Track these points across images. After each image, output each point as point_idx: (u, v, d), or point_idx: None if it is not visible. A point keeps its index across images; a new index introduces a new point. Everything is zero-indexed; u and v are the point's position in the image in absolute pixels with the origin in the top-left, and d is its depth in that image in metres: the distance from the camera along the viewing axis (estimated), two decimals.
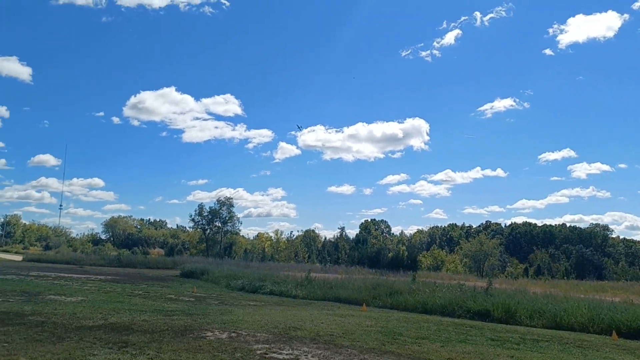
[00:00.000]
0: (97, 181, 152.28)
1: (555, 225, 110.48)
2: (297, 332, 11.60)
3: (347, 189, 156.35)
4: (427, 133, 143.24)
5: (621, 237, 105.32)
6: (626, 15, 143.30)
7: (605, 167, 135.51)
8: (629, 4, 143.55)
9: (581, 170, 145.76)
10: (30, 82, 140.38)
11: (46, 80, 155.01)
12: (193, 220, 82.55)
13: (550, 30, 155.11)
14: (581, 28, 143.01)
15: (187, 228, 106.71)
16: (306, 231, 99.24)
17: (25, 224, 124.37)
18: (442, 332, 13.16)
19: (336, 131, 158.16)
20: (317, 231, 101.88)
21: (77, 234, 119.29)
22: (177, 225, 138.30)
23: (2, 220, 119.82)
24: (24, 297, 16.43)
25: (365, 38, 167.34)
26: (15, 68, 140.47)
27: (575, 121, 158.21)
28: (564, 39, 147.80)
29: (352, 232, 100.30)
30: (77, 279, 27.61)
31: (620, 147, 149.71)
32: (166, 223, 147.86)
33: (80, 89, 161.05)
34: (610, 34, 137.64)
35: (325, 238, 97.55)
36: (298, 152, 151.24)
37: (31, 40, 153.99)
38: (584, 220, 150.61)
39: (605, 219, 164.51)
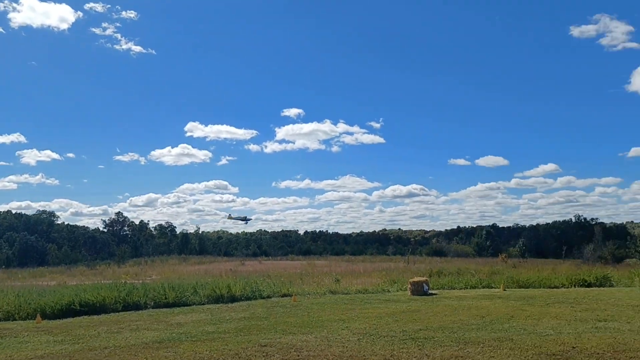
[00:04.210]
0: None
1: (1, 212, 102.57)
2: None
3: None
4: None
5: (66, 223, 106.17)
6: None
7: (55, 155, 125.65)
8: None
9: (31, 156, 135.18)
10: None
11: None
12: None
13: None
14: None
15: None
16: None
17: None
18: None
19: None
20: None
21: None
22: None
23: None
24: None
25: None
26: None
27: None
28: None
29: None
30: None
31: (70, 136, 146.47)
32: None
33: None
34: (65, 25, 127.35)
35: None
36: None
37: None
38: (31, 206, 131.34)
39: (52, 205, 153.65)
